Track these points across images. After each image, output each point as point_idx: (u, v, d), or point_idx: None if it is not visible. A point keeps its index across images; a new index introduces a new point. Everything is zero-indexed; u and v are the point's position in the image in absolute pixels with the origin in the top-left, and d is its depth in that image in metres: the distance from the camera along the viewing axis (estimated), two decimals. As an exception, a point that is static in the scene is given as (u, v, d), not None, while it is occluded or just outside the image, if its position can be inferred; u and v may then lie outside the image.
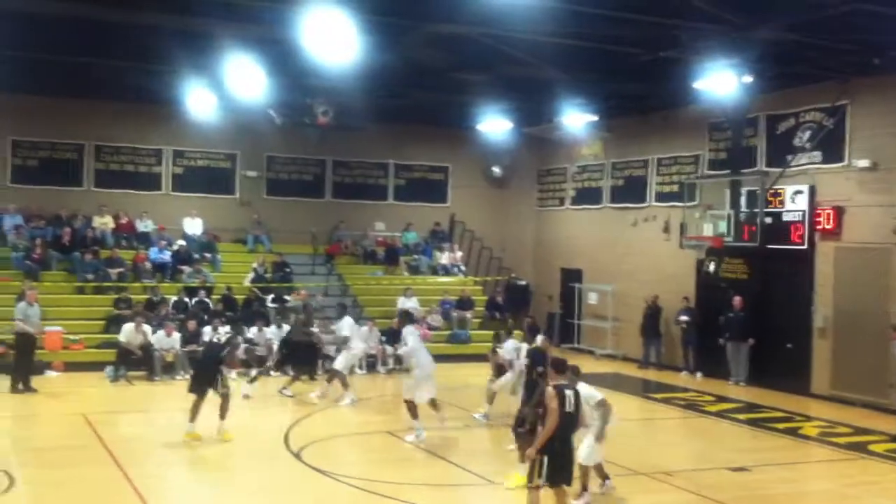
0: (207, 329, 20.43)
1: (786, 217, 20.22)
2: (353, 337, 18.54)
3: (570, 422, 9.72)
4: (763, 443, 15.74)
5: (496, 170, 29.19)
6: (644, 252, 24.60)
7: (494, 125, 26.40)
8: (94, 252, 23.66)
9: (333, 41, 14.66)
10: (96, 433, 14.59)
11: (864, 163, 18.67)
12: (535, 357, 13.45)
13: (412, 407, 14.34)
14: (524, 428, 11.80)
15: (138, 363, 20.04)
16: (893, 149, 18.17)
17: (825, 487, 13.19)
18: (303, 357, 19.64)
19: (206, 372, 14.32)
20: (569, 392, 9.76)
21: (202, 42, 16.99)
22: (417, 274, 27.06)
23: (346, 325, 18.82)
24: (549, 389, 9.81)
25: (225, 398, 14.20)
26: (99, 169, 25.65)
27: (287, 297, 23.80)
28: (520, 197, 29.71)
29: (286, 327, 21.81)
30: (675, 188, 23.49)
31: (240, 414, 15.32)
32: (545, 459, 9.48)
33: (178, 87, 21.79)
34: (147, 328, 20.31)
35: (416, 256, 27.54)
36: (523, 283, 28.16)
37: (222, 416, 14.18)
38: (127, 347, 19.87)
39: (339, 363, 18.04)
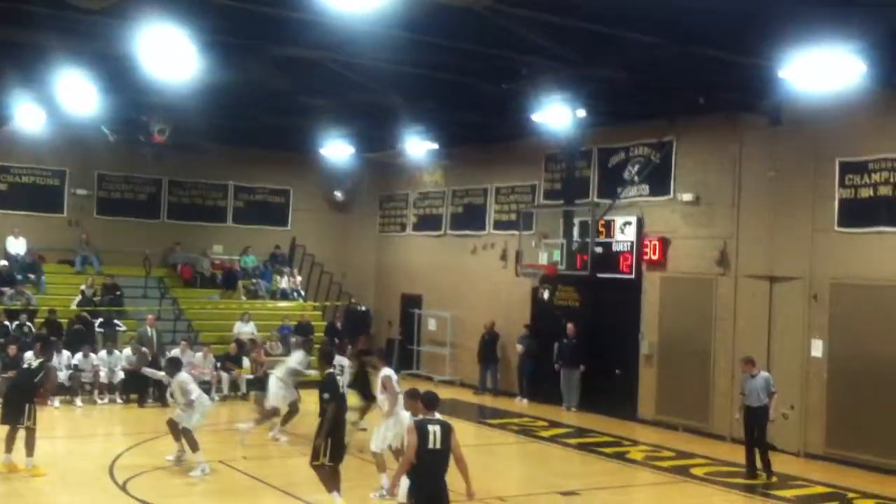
0: (29, 354, 19.34)
1: (616, 247, 20.97)
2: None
3: (435, 459, 8.84)
4: (592, 467, 16.23)
5: (338, 194, 29.07)
6: (482, 279, 24.98)
7: (337, 150, 26.29)
8: None
9: (171, 59, 14.31)
10: None
11: (688, 197, 19.57)
12: (325, 384, 12.46)
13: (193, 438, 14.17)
14: (317, 461, 11.64)
15: (-49, 391, 18.82)
16: (715, 185, 19.11)
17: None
18: None
19: (18, 401, 13.61)
20: (432, 427, 8.89)
21: (31, 55, 16.19)
22: (256, 298, 26.57)
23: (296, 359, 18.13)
24: (410, 423, 9.25)
25: (30, 432, 13.47)
26: (-86, 185, 24.15)
27: (117, 322, 22.88)
28: (362, 222, 29.66)
29: (117, 353, 21.08)
30: (513, 217, 24.00)
31: (65, 441, 14.56)
32: (414, 502, 8.87)
33: (4, 100, 20.67)
34: (-38, 353, 19.15)
35: (254, 280, 27.05)
36: (363, 308, 28.08)
37: (28, 452, 13.44)
38: (-62, 374, 18.64)
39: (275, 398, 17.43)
